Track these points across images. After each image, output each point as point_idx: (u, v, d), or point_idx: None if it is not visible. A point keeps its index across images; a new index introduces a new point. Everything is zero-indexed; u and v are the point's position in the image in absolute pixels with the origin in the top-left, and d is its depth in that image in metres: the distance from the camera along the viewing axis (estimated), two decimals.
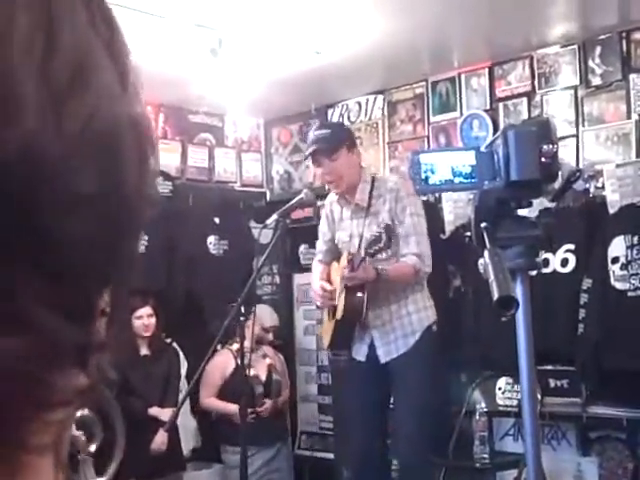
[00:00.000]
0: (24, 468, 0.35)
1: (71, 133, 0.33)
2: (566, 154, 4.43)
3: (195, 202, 5.45)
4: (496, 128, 4.83)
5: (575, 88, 4.57)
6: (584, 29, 4.40)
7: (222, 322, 3.43)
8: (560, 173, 1.65)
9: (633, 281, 3.98)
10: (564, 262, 4.24)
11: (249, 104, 5.60)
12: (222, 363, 4.78)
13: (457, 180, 1.62)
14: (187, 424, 4.88)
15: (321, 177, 4.03)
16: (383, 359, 3.82)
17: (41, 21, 0.33)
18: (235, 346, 4.49)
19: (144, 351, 4.66)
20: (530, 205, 1.68)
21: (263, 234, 3.68)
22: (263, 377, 4.90)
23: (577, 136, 4.53)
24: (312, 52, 4.48)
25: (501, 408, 4.52)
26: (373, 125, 5.50)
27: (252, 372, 4.37)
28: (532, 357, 1.67)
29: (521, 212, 1.69)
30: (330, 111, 5.72)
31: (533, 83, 4.74)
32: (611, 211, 4.18)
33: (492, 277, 1.44)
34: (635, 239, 3.99)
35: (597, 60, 4.47)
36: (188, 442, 4.96)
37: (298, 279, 5.89)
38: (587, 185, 4.29)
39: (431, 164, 1.62)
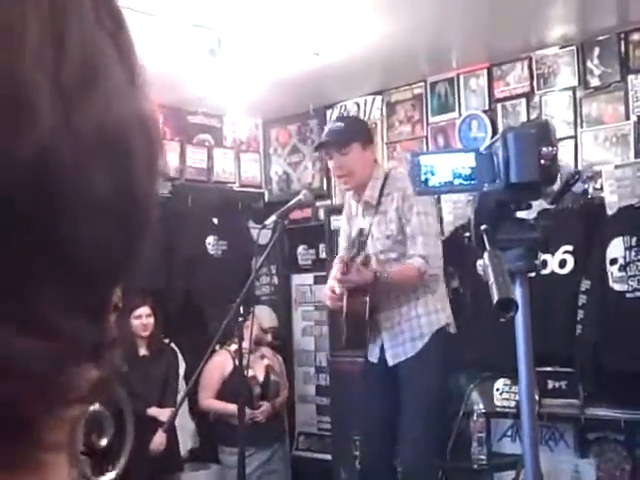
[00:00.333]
0: (42, 466, 0.35)
1: (84, 135, 0.33)
2: (565, 155, 4.43)
3: (194, 203, 5.45)
4: (495, 129, 4.84)
5: (574, 89, 4.58)
6: (583, 30, 4.40)
7: (221, 323, 3.43)
8: (559, 175, 1.65)
9: (631, 282, 3.98)
10: (562, 263, 4.24)
11: (248, 105, 5.61)
12: (220, 364, 4.77)
13: (457, 182, 1.62)
14: (185, 425, 4.88)
15: (332, 170, 3.97)
16: (391, 362, 3.75)
17: (50, 22, 0.33)
18: (233, 347, 4.48)
19: (143, 351, 4.66)
20: (530, 207, 1.68)
21: (262, 235, 3.67)
22: (261, 378, 4.89)
23: (576, 137, 4.54)
24: (311, 53, 4.48)
25: (499, 409, 4.52)
26: (372, 126, 5.49)
27: (250, 373, 4.37)
28: (531, 360, 1.67)
29: (520, 213, 1.69)
30: (329, 112, 5.72)
31: (532, 84, 4.74)
32: (609, 212, 4.18)
33: (492, 279, 1.44)
34: (633, 240, 3.99)
35: (596, 61, 4.48)
36: (186, 443, 4.97)
37: (296, 280, 5.90)
38: (586, 186, 4.29)
39: (431, 166, 1.62)
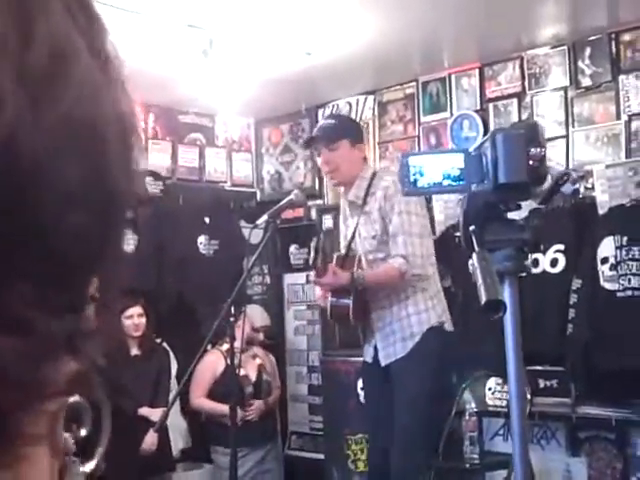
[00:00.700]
0: (21, 459, 0.35)
1: (52, 124, 0.32)
2: (556, 155, 4.44)
3: (185, 202, 5.44)
4: (486, 128, 4.85)
5: (565, 89, 4.58)
6: (574, 30, 4.41)
7: (212, 322, 3.43)
8: (549, 176, 1.66)
9: (622, 281, 3.99)
10: (554, 262, 4.25)
11: (240, 104, 5.60)
12: (212, 363, 4.77)
13: (446, 183, 1.62)
14: (177, 424, 4.87)
15: (321, 166, 3.98)
16: (383, 362, 3.75)
17: (15, 7, 0.32)
18: (225, 346, 4.48)
19: (134, 351, 4.65)
20: (519, 208, 1.68)
21: (253, 234, 3.67)
22: (253, 377, 4.89)
23: (567, 137, 4.55)
24: (303, 53, 4.48)
25: (491, 408, 4.53)
26: (364, 125, 5.50)
27: (242, 372, 4.37)
28: (520, 360, 1.67)
29: (511, 213, 1.69)
30: (321, 111, 5.73)
31: (523, 84, 4.75)
32: (601, 212, 4.19)
33: (480, 281, 1.44)
34: (624, 240, 4.00)
35: (587, 61, 4.49)
36: (178, 443, 4.96)
37: (288, 279, 5.90)
38: (576, 186, 4.30)
39: (420, 166, 1.62)
